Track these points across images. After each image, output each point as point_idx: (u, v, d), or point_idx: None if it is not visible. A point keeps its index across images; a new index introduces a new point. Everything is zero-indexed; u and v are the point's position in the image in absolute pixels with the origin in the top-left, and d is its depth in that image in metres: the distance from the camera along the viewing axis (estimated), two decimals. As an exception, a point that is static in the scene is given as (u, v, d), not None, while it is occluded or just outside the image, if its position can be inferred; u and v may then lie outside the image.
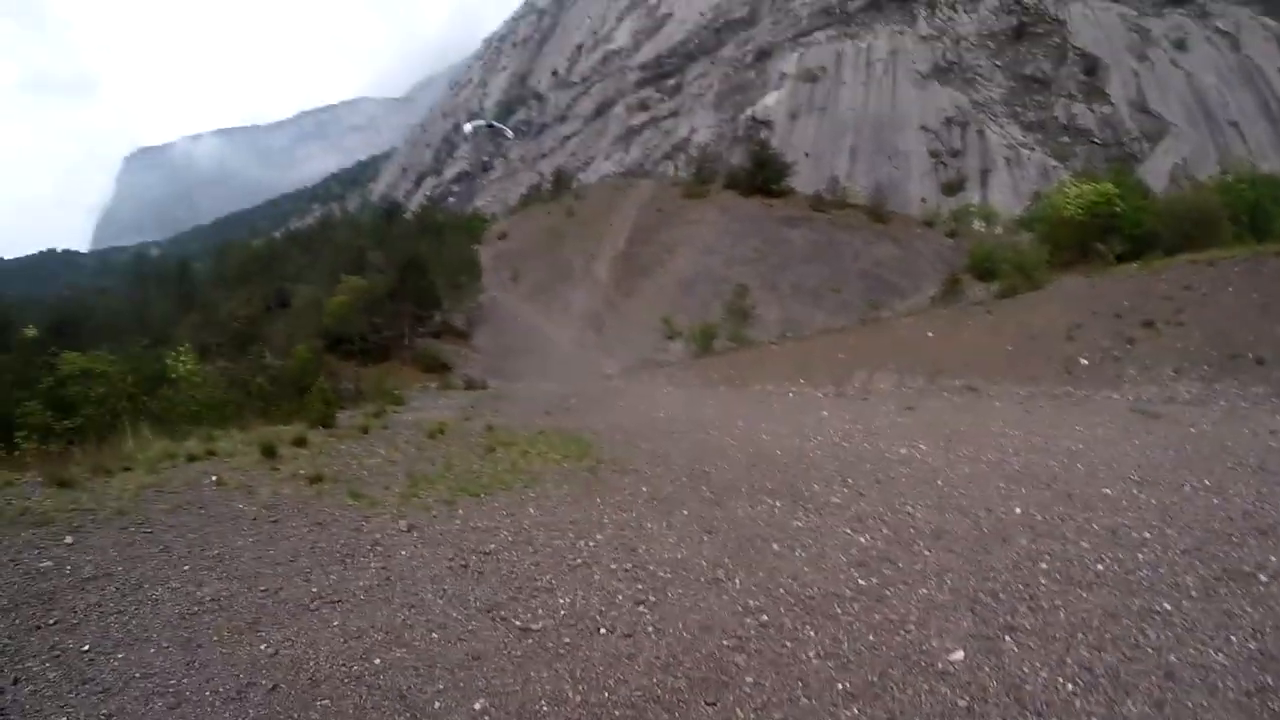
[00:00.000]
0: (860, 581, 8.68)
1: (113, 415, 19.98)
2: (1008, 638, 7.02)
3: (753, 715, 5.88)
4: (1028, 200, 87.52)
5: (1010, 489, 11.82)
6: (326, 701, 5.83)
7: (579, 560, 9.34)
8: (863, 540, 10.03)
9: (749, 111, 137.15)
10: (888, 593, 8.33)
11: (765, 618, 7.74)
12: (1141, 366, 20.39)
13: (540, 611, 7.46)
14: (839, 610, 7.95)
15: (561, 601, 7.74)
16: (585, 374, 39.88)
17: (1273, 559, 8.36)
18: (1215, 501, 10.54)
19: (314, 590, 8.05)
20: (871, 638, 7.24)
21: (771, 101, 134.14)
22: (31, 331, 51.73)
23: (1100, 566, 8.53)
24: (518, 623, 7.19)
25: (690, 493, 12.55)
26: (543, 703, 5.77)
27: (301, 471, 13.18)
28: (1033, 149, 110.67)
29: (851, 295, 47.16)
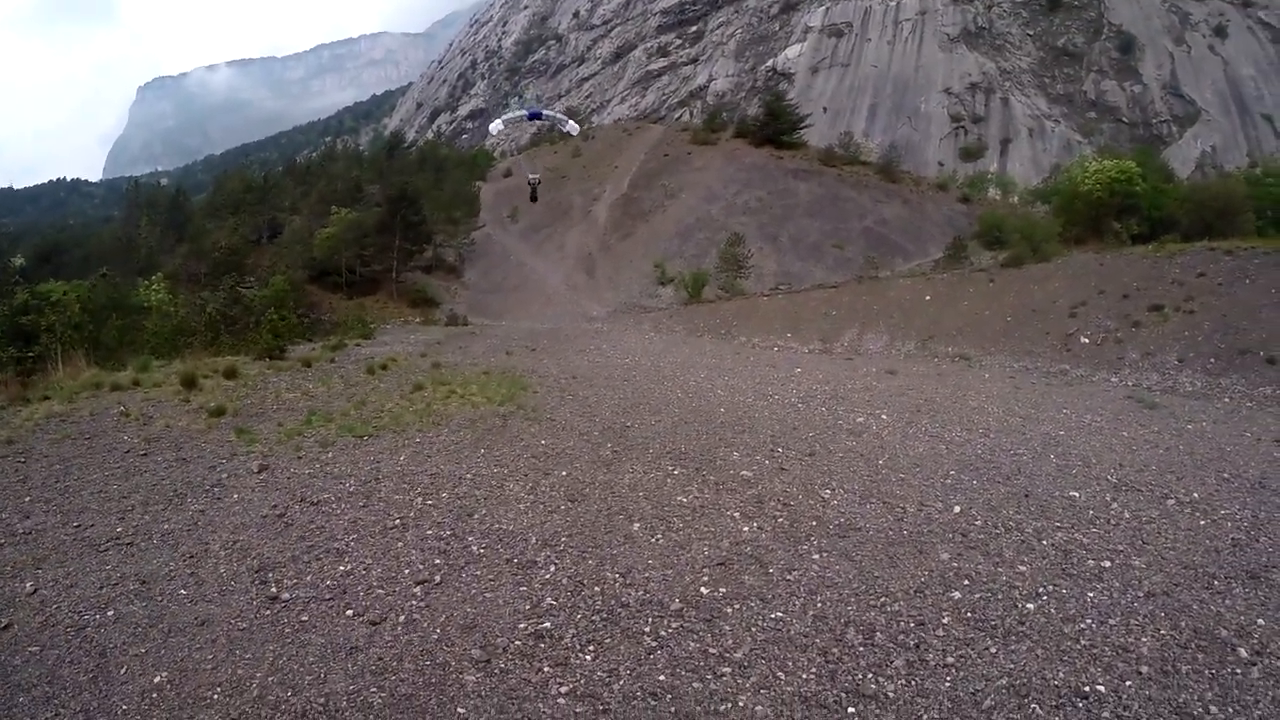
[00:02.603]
0: (702, 591, 6.74)
1: (62, 344, 19.89)
2: None
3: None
4: (1047, 173, 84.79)
5: (960, 480, 9.84)
6: (36, 649, 5.86)
7: (398, 521, 8.40)
8: (745, 530, 8.07)
9: (769, 63, 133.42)
10: (727, 611, 6.38)
11: (548, 625, 6.24)
12: (1144, 352, 18.80)
13: (307, 579, 7.01)
14: (646, 632, 6.14)
15: (340, 570, 7.19)
16: (570, 315, 39.44)
17: (1260, 623, 6.21)
18: (1202, 524, 8.44)
19: (119, 530, 8.01)
20: (660, 680, 5.51)
21: (793, 54, 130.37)
22: (19, 260, 54.46)
23: (1031, 606, 6.41)
24: (273, 589, 6.78)
25: (588, 451, 11.21)
26: (217, 691, 5.38)
27: (210, 404, 13.15)
28: (1057, 122, 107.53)
29: (853, 253, 45.19)
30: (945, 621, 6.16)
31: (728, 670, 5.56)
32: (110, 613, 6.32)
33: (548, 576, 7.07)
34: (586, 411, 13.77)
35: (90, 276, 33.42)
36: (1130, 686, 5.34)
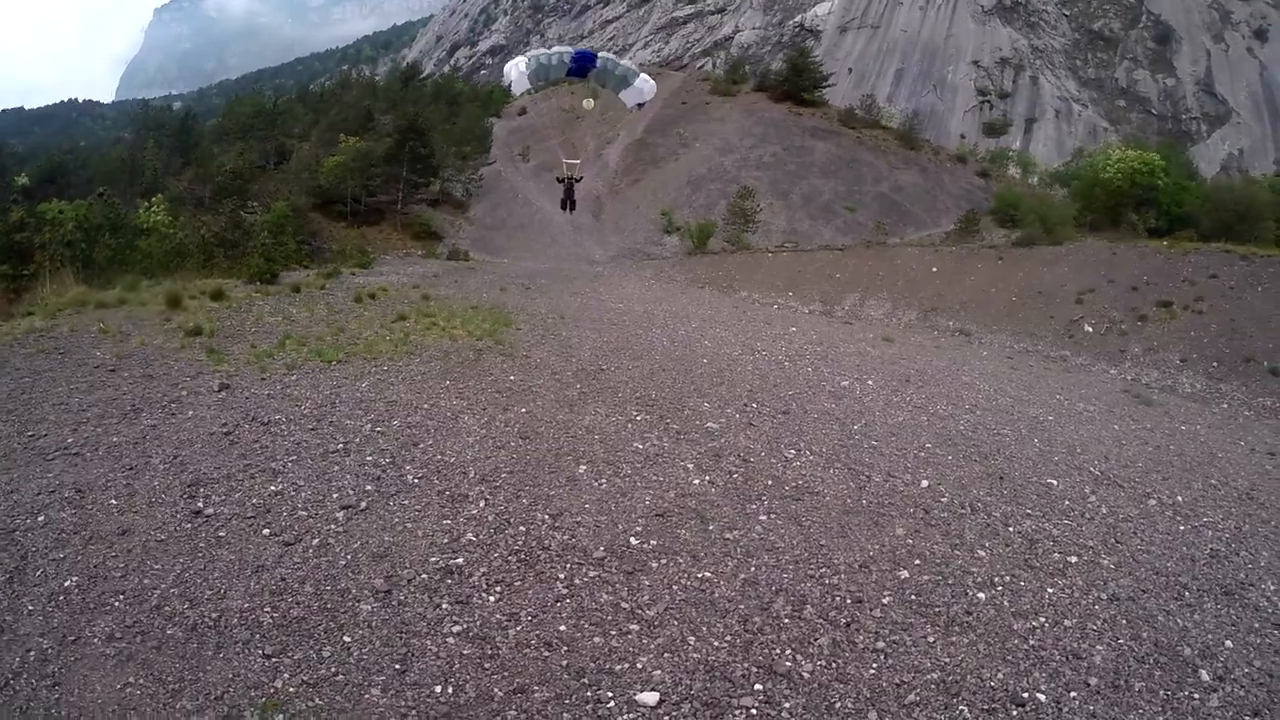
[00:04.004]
0: (632, 541, 6.28)
1: (55, 262, 20.07)
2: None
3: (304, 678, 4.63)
4: (1070, 156, 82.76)
5: (934, 454, 9.32)
6: (-37, 548, 5.73)
7: (342, 445, 8.10)
8: (695, 483, 7.58)
9: (798, 18, 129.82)
10: (652, 566, 5.93)
11: (460, 561, 5.92)
12: (1148, 347, 18.40)
13: (235, 497, 6.84)
14: (560, 578, 5.75)
15: (270, 490, 6.96)
16: (572, 257, 38.83)
17: (1228, 645, 5.71)
18: (1181, 529, 7.94)
19: (69, 441, 7.93)
20: (560, 631, 5.15)
21: (823, 11, 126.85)
22: (22, 180, 52.96)
23: (982, 596, 5.91)
24: (199, 504, 6.64)
25: (555, 390, 10.79)
26: (120, 599, 5.33)
27: (189, 324, 13.04)
28: (1085, 106, 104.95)
29: (864, 217, 43.94)
30: (885, 602, 5.67)
31: (635, 628, 5.12)
32: (41, 518, 6.30)
33: (474, 512, 6.69)
34: (565, 351, 13.37)
35: (92, 197, 33.05)
36: (1074, 698, 4.85)
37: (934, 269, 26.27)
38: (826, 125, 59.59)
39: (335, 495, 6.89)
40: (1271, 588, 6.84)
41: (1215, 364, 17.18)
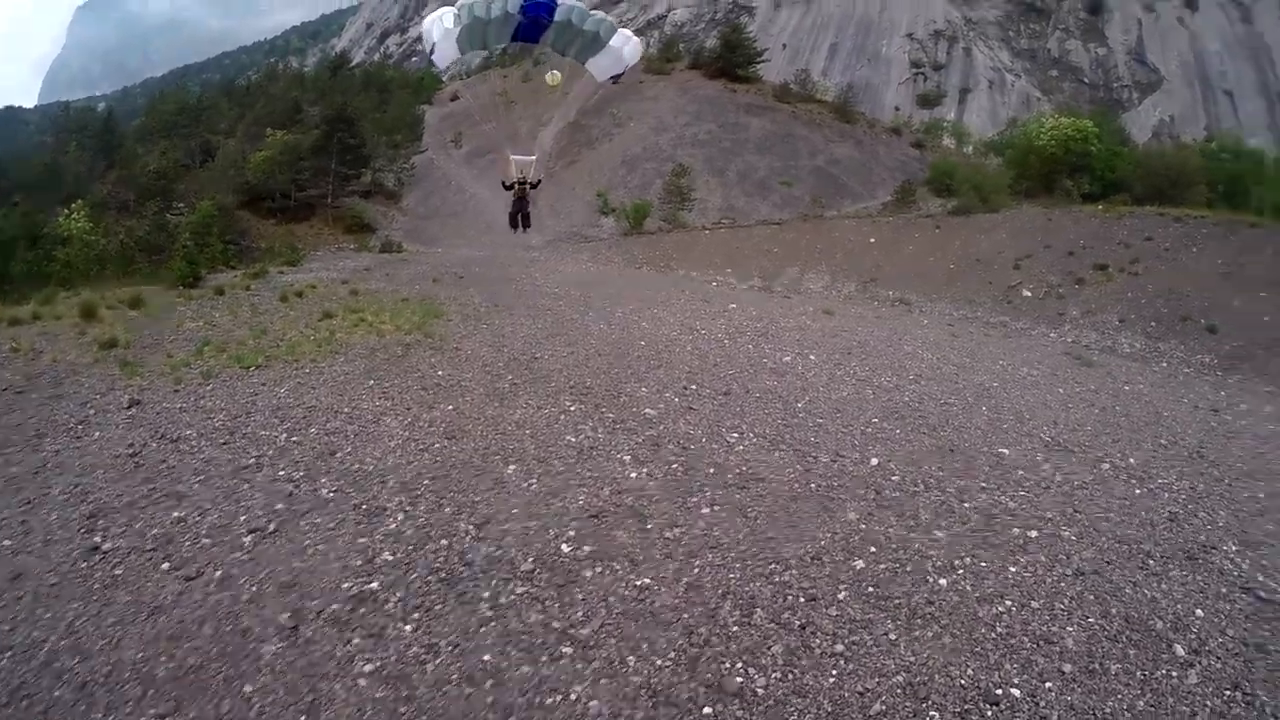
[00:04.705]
0: (564, 549, 5.75)
1: None
2: None
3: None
4: (1004, 126, 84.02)
5: (882, 428, 8.96)
6: None
7: (254, 460, 7.52)
8: (633, 477, 7.08)
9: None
10: (585, 575, 5.39)
11: (374, 586, 5.40)
12: (1086, 310, 18.46)
13: (137, 527, 6.28)
14: (484, 598, 5.21)
15: (173, 516, 6.41)
16: (508, 243, 37.51)
17: (1199, 615, 5.43)
18: (1137, 492, 7.69)
19: None
20: (484, 661, 4.64)
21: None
22: None
23: (943, 582, 5.52)
24: (97, 538, 6.14)
25: (485, 383, 10.23)
26: (6, 656, 4.86)
27: (104, 337, 12.33)
28: (1018, 76, 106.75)
29: (801, 191, 43.59)
30: (841, 597, 5.24)
31: (568, 651, 4.61)
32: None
33: (392, 527, 6.15)
34: (497, 341, 12.80)
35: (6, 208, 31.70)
36: (1050, 690, 4.48)
37: (872, 240, 26.10)
38: (761, 101, 59.10)
39: (243, 518, 6.36)
40: (1233, 548, 6.66)
41: (1153, 324, 17.30)
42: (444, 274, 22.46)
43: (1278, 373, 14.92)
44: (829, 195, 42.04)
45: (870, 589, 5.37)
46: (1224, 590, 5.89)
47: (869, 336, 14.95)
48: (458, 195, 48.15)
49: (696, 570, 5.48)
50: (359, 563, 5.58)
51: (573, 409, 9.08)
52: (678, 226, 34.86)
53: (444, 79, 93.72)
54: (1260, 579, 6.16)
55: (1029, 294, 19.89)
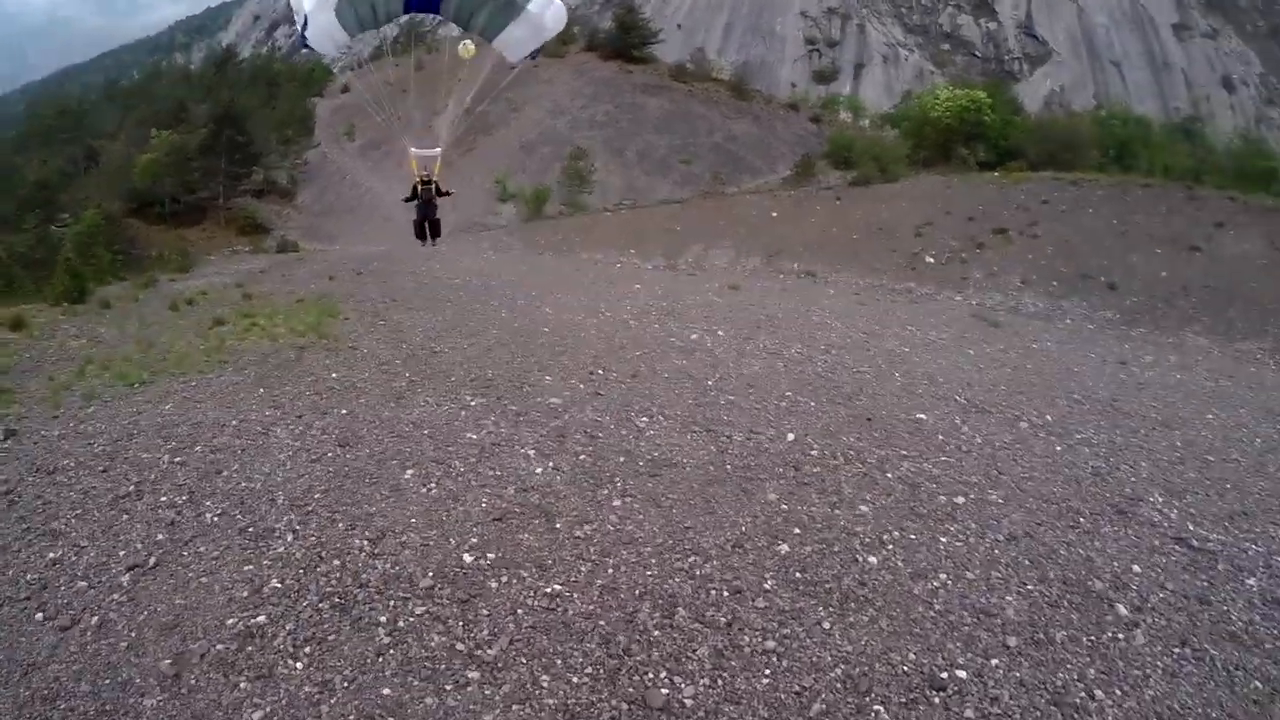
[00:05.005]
0: (466, 559, 5.19)
1: None
2: None
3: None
4: (899, 99, 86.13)
5: (796, 401, 8.64)
6: None
7: (133, 486, 6.73)
8: (538, 472, 6.54)
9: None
10: (491, 587, 4.86)
11: (262, 619, 4.80)
12: (988, 272, 18.77)
13: (9, 574, 5.53)
14: (382, 622, 4.64)
15: (49, 558, 5.73)
16: (407, 237, 36.44)
17: (1136, 570, 5.25)
18: (1058, 449, 7.57)
19: None
20: (384, 696, 4.10)
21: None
22: None
23: (873, 560, 5.17)
24: None
25: (382, 383, 9.56)
26: None
27: None
28: (911, 51, 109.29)
29: (701, 169, 44.01)
30: (768, 587, 4.83)
31: (475, 675, 4.09)
32: None
33: (281, 550, 5.52)
34: (395, 338, 12.17)
35: None
36: (997, 667, 4.17)
37: (774, 214, 26.06)
38: (658, 81, 59.17)
39: (122, 553, 5.66)
40: (1160, 499, 6.60)
41: (1054, 283, 17.65)
42: (341, 271, 21.57)
43: (1177, 325, 15.46)
44: (729, 171, 42.31)
45: (798, 574, 4.99)
46: (1157, 543, 5.77)
47: (777, 309, 14.73)
48: (353, 190, 46.90)
49: (610, 571, 5.01)
50: (245, 593, 4.94)
51: (474, 404, 8.50)
52: (578, 210, 34.54)
53: (334, 69, 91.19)
54: (1191, 528, 6.08)
55: (931, 260, 20.09)
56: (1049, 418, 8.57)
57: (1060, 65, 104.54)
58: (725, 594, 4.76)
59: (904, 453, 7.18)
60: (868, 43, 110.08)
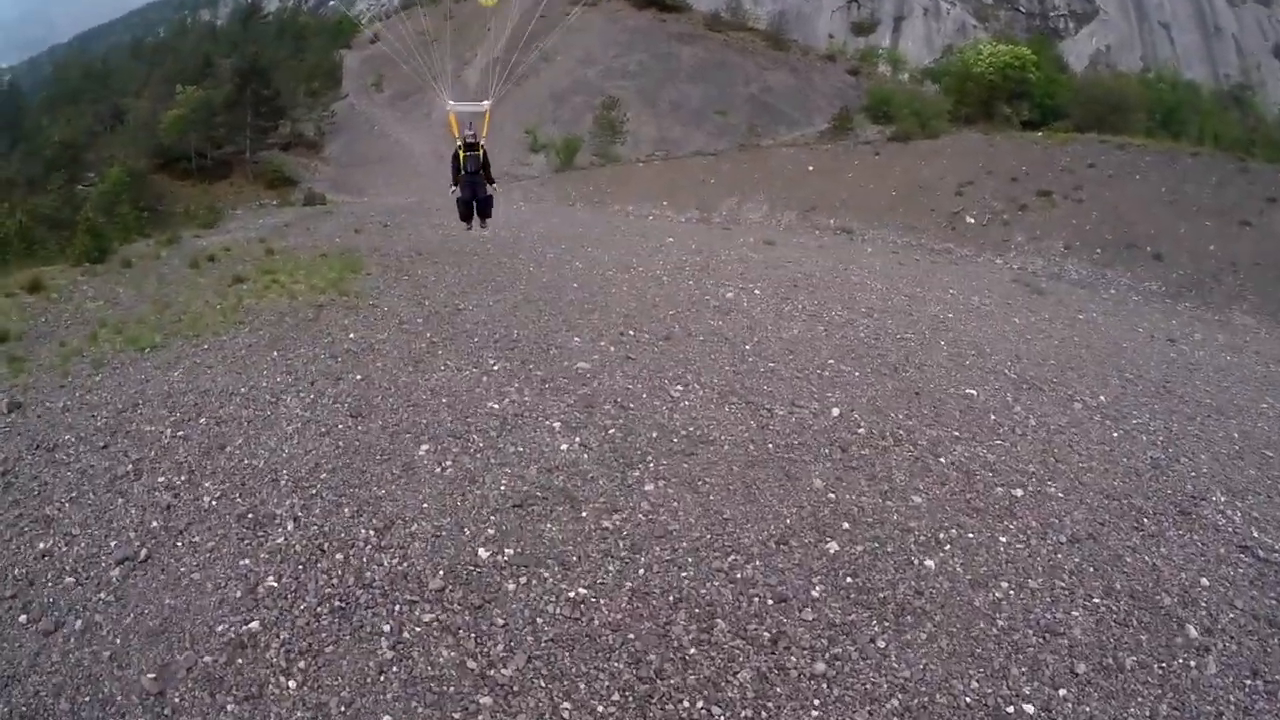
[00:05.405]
0: (481, 555, 4.81)
1: None
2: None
3: None
4: (939, 54, 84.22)
5: (841, 371, 8.20)
6: None
7: (131, 466, 6.42)
8: (564, 449, 6.15)
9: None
10: (508, 590, 4.48)
11: (255, 626, 4.50)
12: (1031, 236, 18.20)
13: None
14: (385, 632, 4.34)
15: (39, 549, 5.40)
16: (436, 188, 36.24)
17: (1204, 584, 4.86)
18: (1114, 435, 7.13)
19: None
20: None
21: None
22: None
23: (930, 564, 4.77)
24: None
25: (401, 344, 9.11)
26: None
27: None
28: (954, 4, 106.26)
29: (736, 120, 42.91)
30: (816, 594, 4.44)
31: (487, 701, 3.75)
32: None
33: (280, 541, 5.18)
34: (418, 294, 11.72)
35: None
36: (1065, 700, 3.79)
37: (810, 168, 25.41)
38: (692, 30, 58.31)
39: (113, 544, 5.36)
40: (1222, 498, 6.19)
41: (1099, 250, 17.14)
42: (368, 224, 21.21)
43: (1224, 302, 14.97)
44: (765, 123, 41.40)
45: (848, 579, 4.60)
46: (1223, 551, 5.39)
47: (814, 267, 14.22)
48: (382, 141, 46.26)
49: (642, 571, 4.62)
50: (239, 594, 4.64)
51: (496, 368, 8.12)
52: (610, 161, 34.02)
53: (362, 21, 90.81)
54: (1255, 535, 5.69)
55: (972, 220, 19.55)
56: (1103, 399, 8.12)
57: (1107, 24, 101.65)
58: (769, 602, 4.38)
59: (956, 434, 6.76)
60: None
